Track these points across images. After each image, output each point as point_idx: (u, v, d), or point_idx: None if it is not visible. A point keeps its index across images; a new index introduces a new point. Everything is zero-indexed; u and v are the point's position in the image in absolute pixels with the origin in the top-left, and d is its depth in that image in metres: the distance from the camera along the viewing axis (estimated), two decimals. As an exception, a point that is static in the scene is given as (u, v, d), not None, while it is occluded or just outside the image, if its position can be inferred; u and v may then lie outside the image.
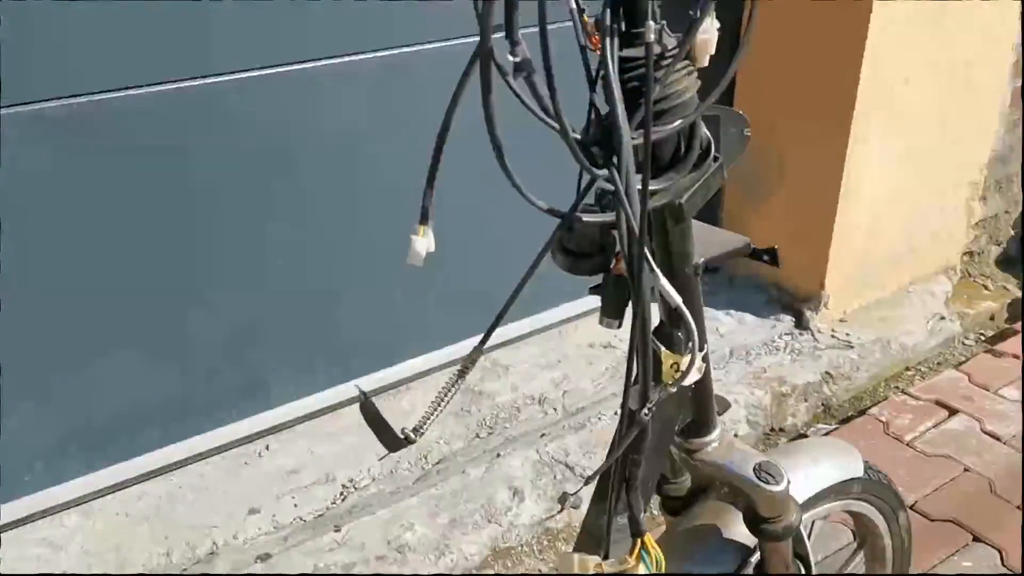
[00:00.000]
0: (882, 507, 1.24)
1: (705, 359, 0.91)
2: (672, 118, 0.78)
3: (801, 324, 2.51)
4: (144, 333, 1.84)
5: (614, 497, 0.87)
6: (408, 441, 0.84)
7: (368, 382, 2.16)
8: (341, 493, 1.94)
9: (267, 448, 2.05)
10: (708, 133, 0.83)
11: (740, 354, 2.39)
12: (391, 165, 1.94)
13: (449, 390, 0.84)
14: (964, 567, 1.77)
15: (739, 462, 0.97)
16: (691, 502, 1.11)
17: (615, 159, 0.73)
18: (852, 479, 1.16)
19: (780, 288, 2.57)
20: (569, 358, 2.35)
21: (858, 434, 2.12)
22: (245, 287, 1.93)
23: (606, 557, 0.89)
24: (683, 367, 0.78)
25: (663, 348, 0.80)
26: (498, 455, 2.02)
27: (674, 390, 0.78)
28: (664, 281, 0.73)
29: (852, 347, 2.43)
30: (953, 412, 2.20)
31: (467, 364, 0.83)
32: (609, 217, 0.77)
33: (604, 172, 0.74)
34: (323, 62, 1.83)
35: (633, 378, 0.78)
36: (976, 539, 1.84)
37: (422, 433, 0.84)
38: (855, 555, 1.31)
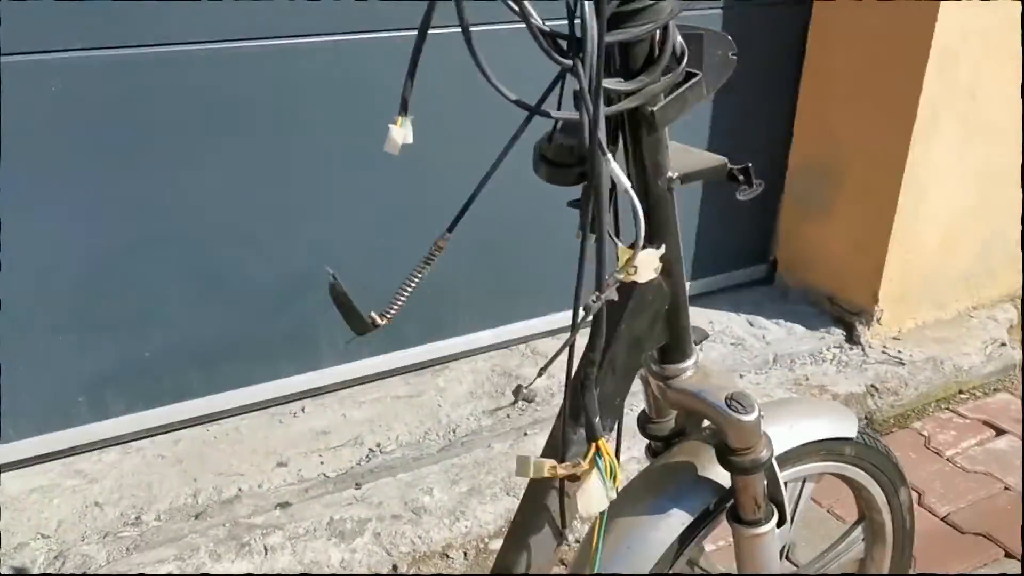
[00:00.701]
0: (880, 478, 1.22)
1: (675, 270, 0.93)
2: (642, 20, 0.80)
3: (852, 338, 2.46)
4: (196, 278, 1.91)
5: (569, 399, 0.88)
6: (375, 325, 0.87)
7: (413, 354, 2.21)
8: (367, 456, 1.98)
9: (303, 410, 2.10)
10: (683, 44, 0.84)
11: (784, 362, 2.36)
12: (463, 133, 1.96)
13: (416, 275, 0.87)
14: (990, 580, 1.70)
15: (711, 391, 0.97)
16: (674, 444, 1.11)
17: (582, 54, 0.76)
18: (844, 440, 1.14)
19: (833, 301, 2.53)
20: (610, 352, 2.35)
21: (894, 445, 2.05)
22: (305, 242, 1.99)
23: (563, 461, 0.90)
24: (635, 262, 0.79)
25: (619, 243, 0.81)
26: (525, 434, 2.04)
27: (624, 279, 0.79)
28: (615, 165, 0.75)
29: (903, 364, 2.37)
30: (1000, 432, 2.13)
31: (434, 250, 0.86)
32: (574, 115, 0.80)
33: (569, 62, 0.77)
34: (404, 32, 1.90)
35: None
36: (1008, 555, 1.77)
37: (389, 317, 0.87)
38: (853, 528, 1.29)
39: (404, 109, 0.85)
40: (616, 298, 0.83)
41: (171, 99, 1.75)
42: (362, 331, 0.87)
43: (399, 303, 0.86)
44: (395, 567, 1.74)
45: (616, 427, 1.24)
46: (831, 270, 2.53)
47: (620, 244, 0.81)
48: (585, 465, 0.88)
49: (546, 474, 0.89)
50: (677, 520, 1.03)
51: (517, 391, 0.89)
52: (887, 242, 2.36)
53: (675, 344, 0.98)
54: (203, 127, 1.80)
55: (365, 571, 1.72)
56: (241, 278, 1.95)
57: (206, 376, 1.99)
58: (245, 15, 1.75)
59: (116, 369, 1.89)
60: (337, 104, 1.91)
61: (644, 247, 0.80)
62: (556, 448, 0.94)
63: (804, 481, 1.18)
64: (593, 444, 0.87)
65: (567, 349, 0.83)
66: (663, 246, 0.84)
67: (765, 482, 1.03)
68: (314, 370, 2.11)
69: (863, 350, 2.43)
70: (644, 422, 1.13)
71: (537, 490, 0.97)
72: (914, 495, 1.92)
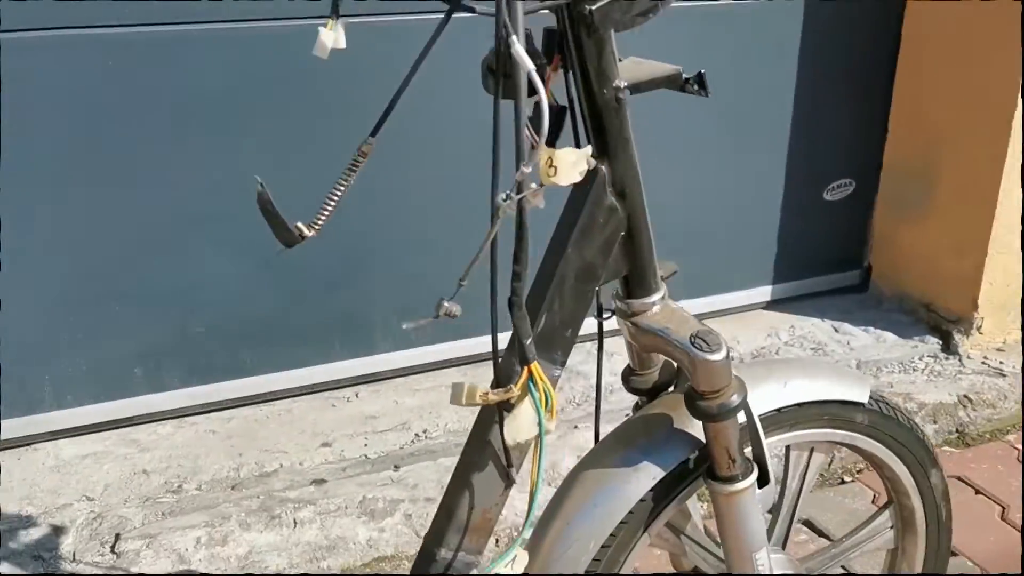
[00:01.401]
0: (905, 456, 1.09)
1: (631, 192, 0.86)
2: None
3: (948, 348, 2.27)
4: (251, 257, 1.93)
5: (497, 317, 0.82)
6: (302, 237, 0.84)
7: (464, 346, 2.18)
8: (412, 440, 1.95)
9: (356, 395, 2.10)
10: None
11: (868, 369, 2.19)
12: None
13: (341, 184, 0.83)
14: (1074, 602, 1.51)
15: (677, 329, 0.89)
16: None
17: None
18: (853, 406, 1.03)
19: (930, 309, 2.35)
20: (679, 352, 2.25)
21: (981, 456, 1.88)
22: (361, 225, 1.98)
23: (498, 386, 0.84)
24: (555, 162, 0.73)
25: (539, 139, 0.75)
26: (575, 427, 1.96)
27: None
28: (519, 48, 0.70)
29: (1004, 376, 2.17)
30: (1108, 450, 1.91)
31: (358, 156, 0.83)
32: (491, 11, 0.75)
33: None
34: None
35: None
36: (1099, 578, 1.57)
37: (317, 228, 0.84)
38: (881, 512, 1.16)
39: (335, 12, 0.82)
40: (542, 205, 0.77)
41: (222, 73, 1.79)
42: (290, 243, 0.85)
43: (325, 213, 0.83)
44: (423, 549, 1.69)
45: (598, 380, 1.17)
46: (927, 275, 2.35)
47: (541, 143, 0.76)
48: (516, 391, 0.82)
49: (478, 400, 0.83)
50: (648, 475, 0.95)
51: (439, 306, 0.84)
52: (987, 244, 2.17)
53: (636, 277, 0.91)
54: (258, 101, 1.84)
55: (391, 551, 1.68)
56: (296, 260, 1.96)
57: (259, 355, 2.01)
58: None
59: (171, 343, 1.93)
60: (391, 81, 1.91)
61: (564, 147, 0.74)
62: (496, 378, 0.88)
63: (812, 450, 1.07)
64: (526, 368, 0.81)
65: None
66: (589, 147, 0.78)
67: (746, 437, 0.93)
68: (368, 355, 2.10)
69: (960, 360, 2.24)
70: (628, 375, 1.06)
71: (481, 427, 0.91)
72: (996, 508, 1.74)
